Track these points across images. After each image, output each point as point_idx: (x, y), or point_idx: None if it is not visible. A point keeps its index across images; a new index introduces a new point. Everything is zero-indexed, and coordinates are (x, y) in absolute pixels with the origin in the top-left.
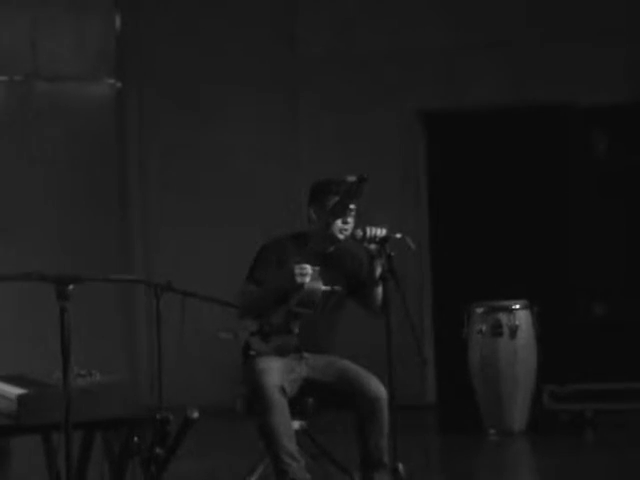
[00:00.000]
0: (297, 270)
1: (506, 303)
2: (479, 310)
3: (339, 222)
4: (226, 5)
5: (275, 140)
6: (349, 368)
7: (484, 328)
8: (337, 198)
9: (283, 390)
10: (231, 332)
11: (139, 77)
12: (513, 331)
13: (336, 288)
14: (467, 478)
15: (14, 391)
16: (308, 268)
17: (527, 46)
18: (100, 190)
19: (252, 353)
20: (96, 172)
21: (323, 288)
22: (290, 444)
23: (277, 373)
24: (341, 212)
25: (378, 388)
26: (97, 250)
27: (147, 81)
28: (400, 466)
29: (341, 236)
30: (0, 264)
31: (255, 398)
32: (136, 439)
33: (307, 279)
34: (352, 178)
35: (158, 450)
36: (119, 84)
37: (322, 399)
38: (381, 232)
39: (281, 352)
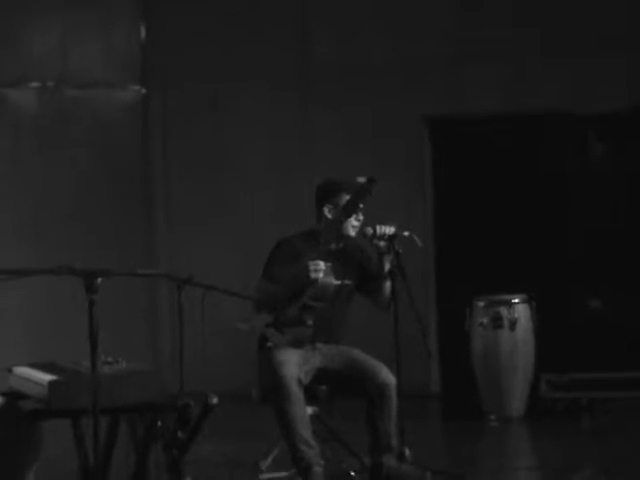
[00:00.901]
0: (311, 266)
1: (506, 297)
2: (481, 304)
3: (351, 220)
4: (243, 18)
5: (289, 143)
6: (360, 357)
7: (485, 321)
8: (348, 198)
9: (300, 381)
10: (248, 324)
11: (163, 84)
12: (513, 324)
13: (347, 282)
14: (469, 461)
15: (46, 377)
16: (322, 264)
17: (527, 55)
18: (126, 190)
19: (269, 345)
20: (122, 173)
21: (335, 283)
22: (306, 432)
23: (294, 365)
24: (352, 211)
25: (387, 376)
26: (123, 245)
27: (170, 87)
28: (407, 450)
29: (352, 233)
30: (33, 259)
31: (274, 389)
32: (159, 423)
33: (321, 275)
34: (362, 179)
35: (180, 434)
36: (144, 90)
37: (334, 386)
38: (390, 230)
39: (297, 344)
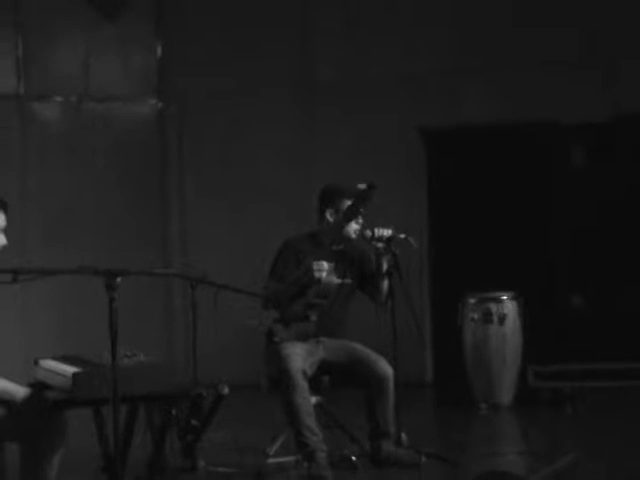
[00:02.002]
0: (315, 266)
1: (496, 294)
2: (472, 300)
3: (352, 224)
4: (251, 37)
5: (295, 151)
6: (360, 350)
7: (476, 316)
8: (350, 203)
9: (304, 373)
10: (256, 319)
11: (177, 97)
12: (502, 319)
13: (347, 281)
14: (461, 446)
15: (70, 370)
16: (325, 264)
17: (516, 70)
18: (143, 196)
19: (277, 339)
20: (140, 180)
21: (337, 281)
22: (310, 420)
23: (300, 358)
24: (353, 215)
25: (386, 368)
26: (141, 247)
27: (184, 101)
28: (403, 435)
29: (353, 236)
30: (59, 259)
31: (280, 380)
32: (174, 412)
33: (324, 274)
34: (363, 186)
35: (193, 422)
36: (160, 104)
37: (336, 377)
38: (387, 232)
39: (302, 338)
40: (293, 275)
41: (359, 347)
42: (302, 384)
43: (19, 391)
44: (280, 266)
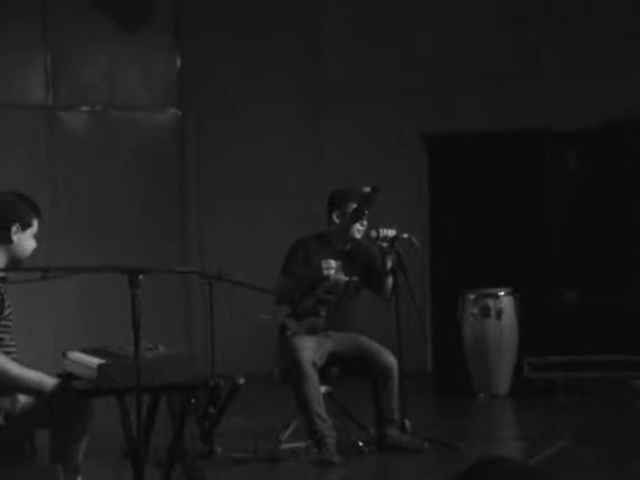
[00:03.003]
0: (324, 264)
1: (493, 290)
2: (471, 296)
3: (357, 225)
4: (265, 47)
5: (304, 156)
6: (366, 343)
7: (475, 311)
8: (355, 205)
9: (314, 364)
10: (270, 314)
11: (196, 107)
12: (499, 313)
13: (354, 279)
14: (460, 433)
15: (95, 361)
16: (333, 263)
17: (510, 79)
18: (164, 198)
19: (289, 333)
20: (161, 184)
21: (344, 279)
22: (320, 408)
23: (310, 350)
24: (358, 217)
25: (390, 359)
26: (162, 246)
27: (202, 110)
28: (407, 422)
29: (358, 236)
30: (85, 258)
31: (292, 370)
32: (193, 401)
33: (332, 272)
34: (367, 189)
35: (211, 409)
36: (179, 112)
37: (344, 368)
38: (391, 233)
39: (312, 331)
40: (304, 272)
41: (365, 340)
42: (312, 374)
43: (49, 382)
44: (291, 264)
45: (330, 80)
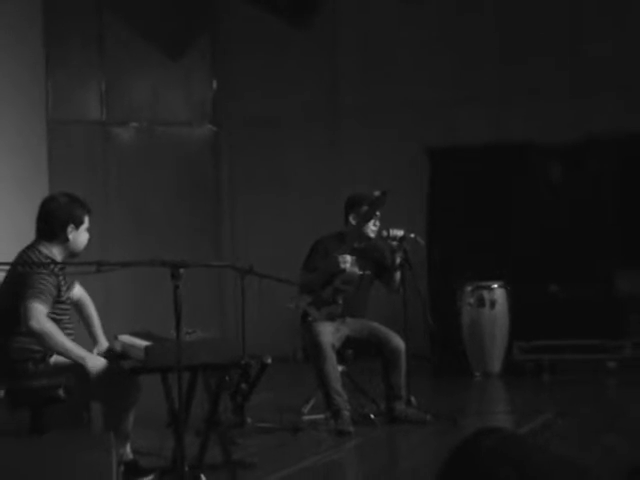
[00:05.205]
0: (341, 259)
1: (487, 283)
2: (468, 288)
3: (370, 224)
4: (290, 71)
5: (322, 165)
6: (378, 328)
7: (471, 301)
8: (367, 207)
9: (333, 346)
10: (294, 303)
11: (228, 123)
12: (492, 304)
13: (367, 272)
14: (459, 407)
15: (142, 343)
16: (348, 257)
17: (501, 99)
18: (201, 203)
19: (310, 319)
20: (198, 191)
21: (359, 272)
22: (337, 385)
23: (329, 334)
24: (370, 217)
25: (399, 342)
26: (199, 243)
27: (234, 125)
28: (412, 398)
29: (372, 235)
30: (136, 253)
31: (313, 352)
32: (227, 378)
33: (348, 265)
34: (377, 193)
35: (243, 386)
36: (215, 128)
37: (358, 350)
38: (399, 232)
39: (331, 318)
40: (323, 266)
41: (377, 325)
42: (331, 355)
43: (97, 361)
44: (312, 259)
45: (343, 97)
